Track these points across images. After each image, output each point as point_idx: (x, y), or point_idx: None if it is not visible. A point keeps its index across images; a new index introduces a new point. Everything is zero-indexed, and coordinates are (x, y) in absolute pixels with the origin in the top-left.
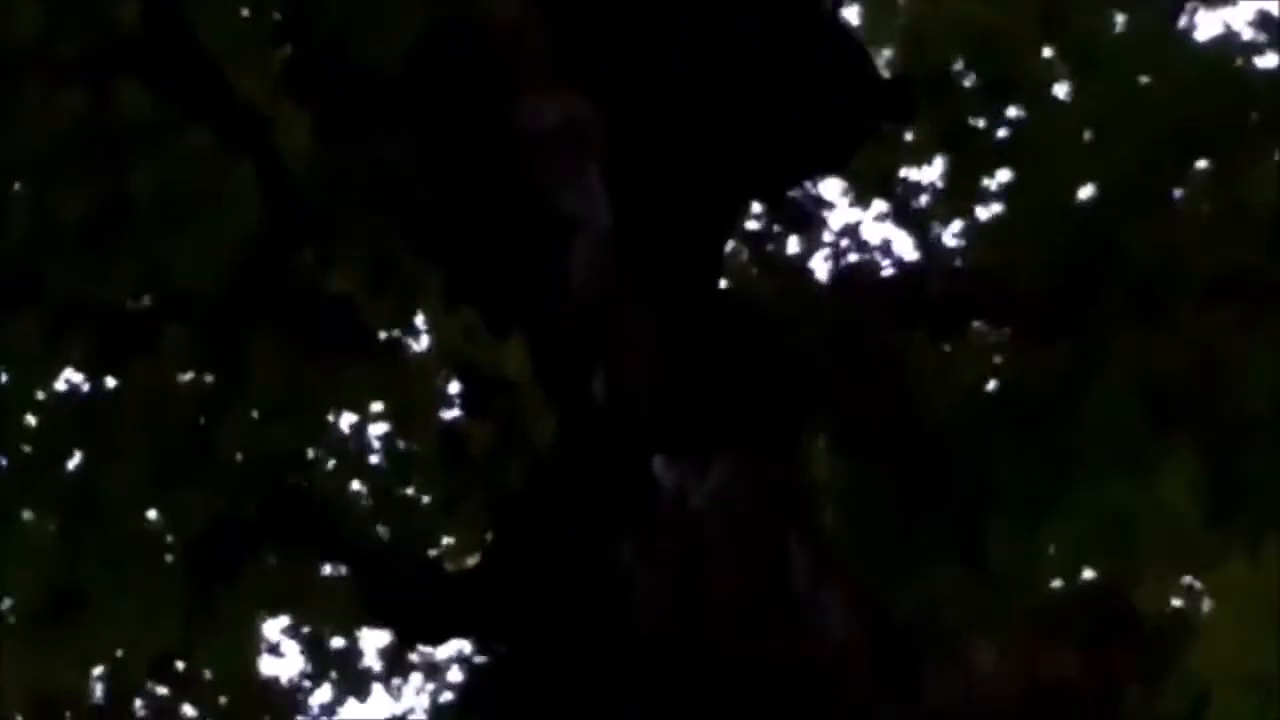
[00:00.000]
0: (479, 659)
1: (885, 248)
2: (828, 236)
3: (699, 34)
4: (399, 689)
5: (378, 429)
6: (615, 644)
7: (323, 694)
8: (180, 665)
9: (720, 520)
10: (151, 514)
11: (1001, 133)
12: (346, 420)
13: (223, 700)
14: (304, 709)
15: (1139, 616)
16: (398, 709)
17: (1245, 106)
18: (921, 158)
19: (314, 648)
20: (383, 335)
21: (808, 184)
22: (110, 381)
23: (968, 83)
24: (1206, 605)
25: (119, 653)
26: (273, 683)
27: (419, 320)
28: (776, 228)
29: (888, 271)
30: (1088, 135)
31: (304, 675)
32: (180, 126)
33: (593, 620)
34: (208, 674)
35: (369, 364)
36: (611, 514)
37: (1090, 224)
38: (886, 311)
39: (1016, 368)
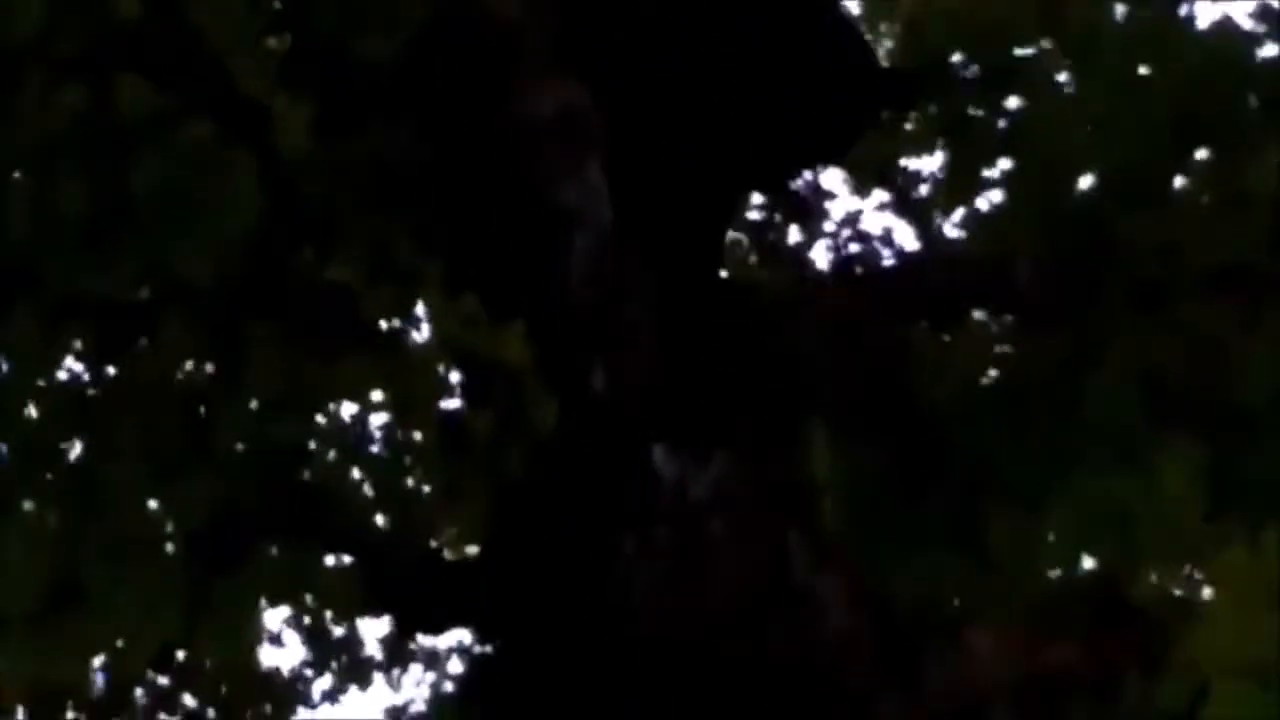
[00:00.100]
0: (479, 650)
1: (886, 238)
2: (828, 227)
3: (700, 25)
4: (399, 679)
5: (378, 419)
6: (615, 635)
7: (324, 684)
8: (181, 655)
9: (721, 511)
10: (152, 505)
11: (1001, 123)
12: (347, 410)
13: (223, 690)
14: (305, 699)
15: (1138, 605)
16: (398, 699)
17: (1245, 97)
18: (921, 148)
19: (315, 637)
20: (383, 325)
21: (808, 174)
22: (110, 373)
23: (967, 73)
24: (1206, 593)
25: (119, 643)
26: (273, 673)
27: (419, 310)
28: (777, 218)
29: (888, 261)
30: (1087, 126)
31: (305, 665)
32: (180, 121)
33: (593, 611)
34: (208, 664)
35: (369, 354)
36: (612, 505)
37: (1090, 215)
38: (887, 301)
39: (1016, 359)
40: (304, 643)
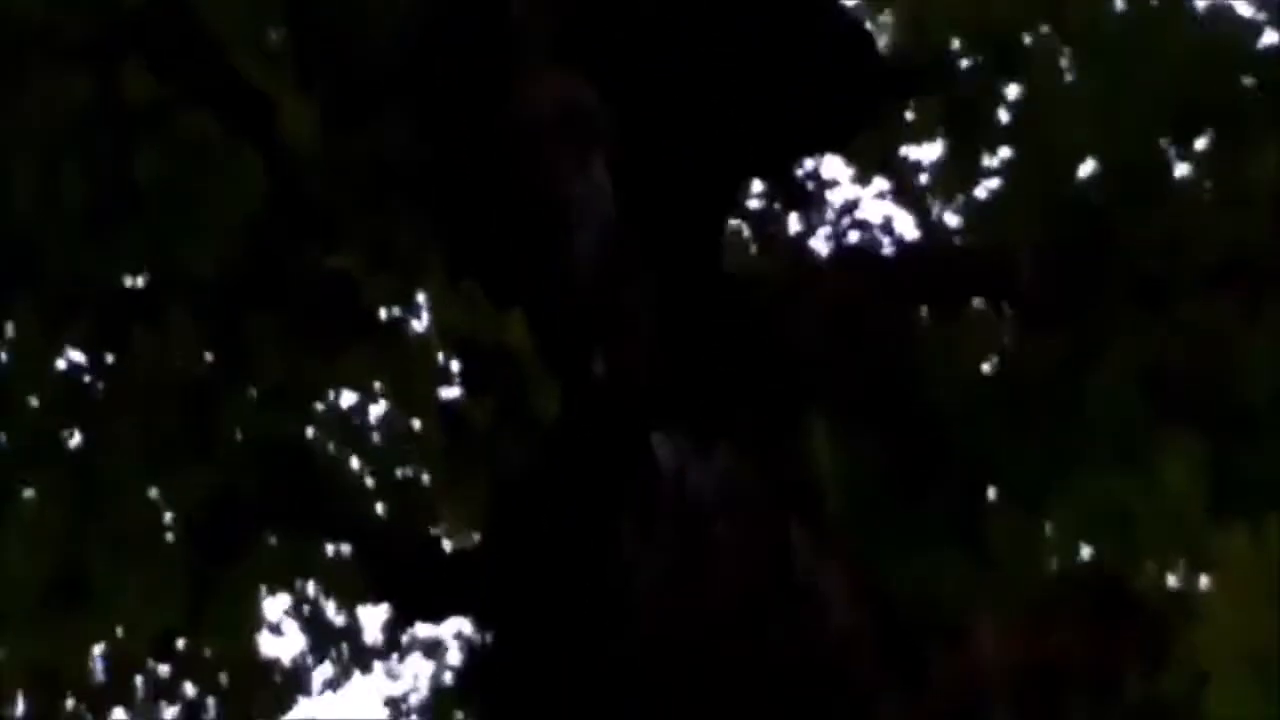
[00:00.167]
0: (478, 639)
1: (886, 226)
2: (828, 215)
3: (701, 15)
4: (398, 669)
5: (378, 408)
6: (616, 625)
7: (324, 673)
8: (181, 644)
9: (722, 501)
10: (153, 494)
11: (1002, 112)
12: (347, 400)
13: (223, 679)
14: (305, 687)
15: (1138, 599)
16: (397, 689)
17: (1245, 86)
18: (922, 136)
19: (315, 626)
20: (383, 315)
21: (808, 163)
22: (111, 363)
23: (968, 62)
24: (1206, 587)
25: (120, 632)
26: (274, 662)
27: (419, 299)
28: (777, 207)
29: (888, 250)
30: (1087, 115)
31: (305, 653)
32: (183, 110)
33: (593, 601)
34: (208, 653)
35: (369, 344)
36: (612, 495)
37: (1090, 205)
38: (886, 290)
39: (1017, 355)
40: (304, 631)
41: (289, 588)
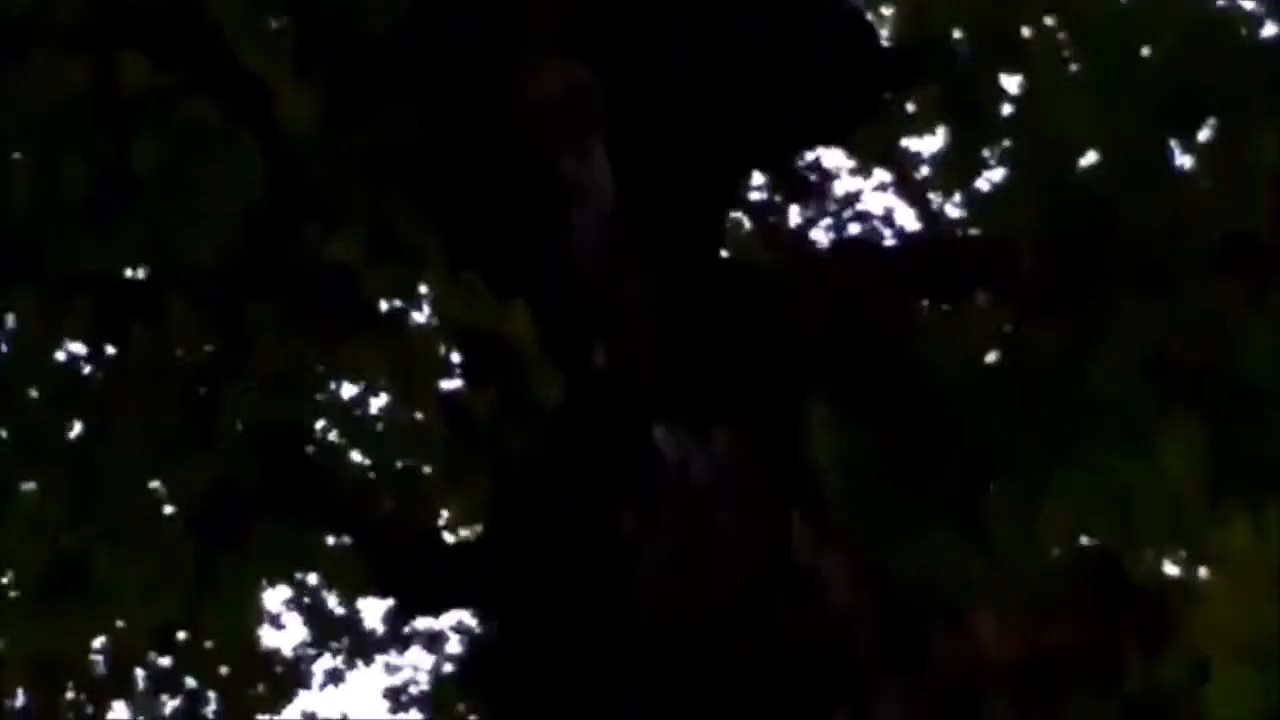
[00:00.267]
0: (480, 630)
1: (887, 218)
2: (829, 207)
3: (701, 6)
4: (399, 661)
5: (379, 399)
6: (617, 616)
7: (325, 664)
8: (181, 636)
9: (723, 492)
10: (153, 485)
11: (1003, 102)
12: (348, 390)
13: (224, 671)
14: (306, 679)
15: (1139, 586)
16: (398, 680)
17: (1247, 73)
18: (923, 128)
19: (315, 618)
20: (384, 305)
21: (809, 154)
22: (111, 353)
23: (969, 52)
24: (1205, 574)
25: (120, 623)
26: (274, 653)
27: (421, 290)
28: (778, 198)
29: (889, 242)
30: (1088, 104)
31: (305, 645)
32: (182, 98)
33: (595, 592)
34: (209, 644)
35: (370, 335)
36: (614, 485)
37: (1092, 194)
38: (887, 282)
39: (1018, 338)
40: (305, 623)
41: (290, 579)
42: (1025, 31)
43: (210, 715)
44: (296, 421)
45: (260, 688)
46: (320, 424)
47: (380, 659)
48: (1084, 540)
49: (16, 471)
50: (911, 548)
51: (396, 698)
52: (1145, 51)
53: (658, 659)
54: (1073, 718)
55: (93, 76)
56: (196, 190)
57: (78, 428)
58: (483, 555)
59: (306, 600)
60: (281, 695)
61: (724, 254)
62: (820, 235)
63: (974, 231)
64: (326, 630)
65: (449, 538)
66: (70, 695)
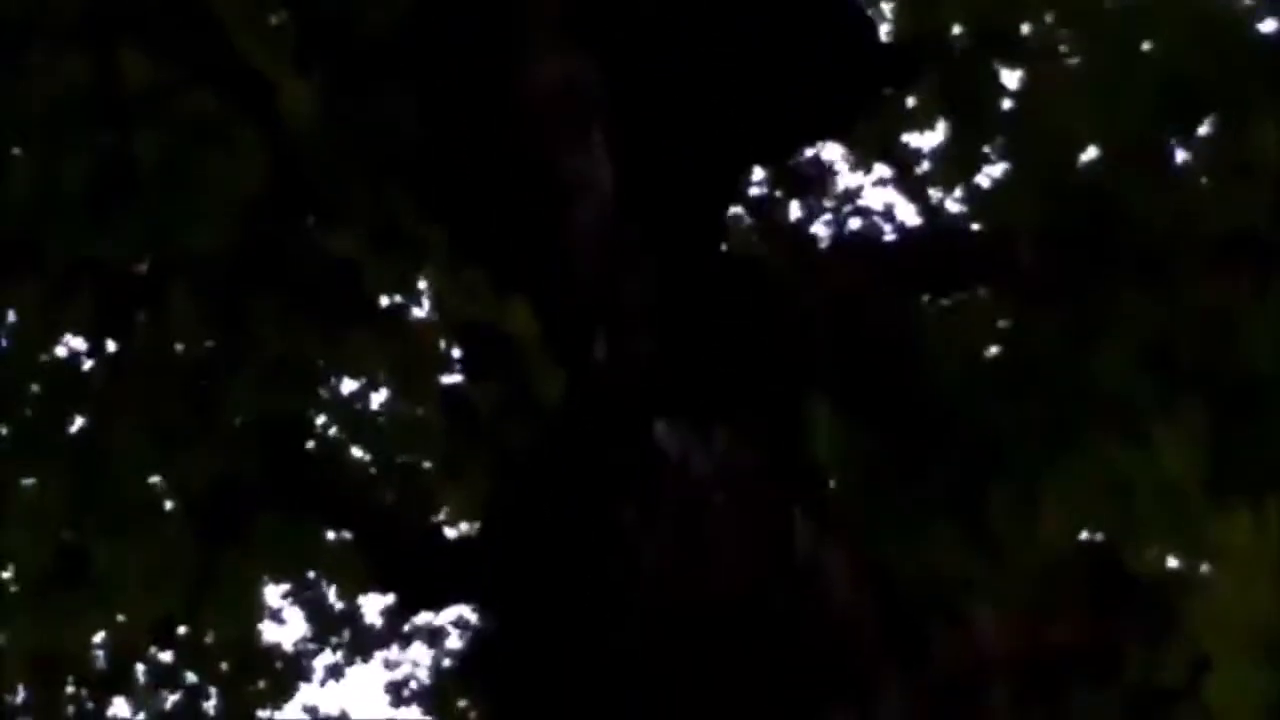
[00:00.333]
0: (480, 625)
1: (887, 213)
2: (829, 202)
3: (701, 1)
4: (399, 657)
5: (380, 394)
6: (618, 612)
7: (325, 659)
8: (182, 631)
9: (724, 486)
10: (154, 479)
11: (1003, 97)
12: (349, 385)
13: (224, 666)
14: (307, 674)
15: (1140, 579)
16: (398, 675)
17: (1247, 67)
18: (923, 123)
19: (316, 613)
20: (385, 300)
21: (810, 149)
22: (112, 346)
23: (969, 47)
24: (1206, 567)
25: (121, 618)
26: (275, 648)
27: (421, 284)
28: (778, 193)
29: (890, 237)
30: (1088, 99)
31: (306, 640)
32: (183, 90)
33: (595, 587)
34: (209, 639)
35: (371, 329)
36: (614, 480)
37: (1093, 187)
38: (888, 277)
39: (1019, 332)
40: (305, 619)
41: (290, 575)
42: (1025, 27)
43: (211, 710)
44: (297, 416)
45: (261, 683)
46: (321, 418)
47: (380, 655)
48: (1084, 534)
49: (16, 466)
50: (912, 544)
51: (397, 692)
52: (1145, 46)
53: (658, 655)
54: (1074, 712)
55: (93, 70)
56: (197, 184)
57: (79, 421)
58: (483, 550)
59: (307, 594)
60: (282, 691)
61: (725, 249)
62: (820, 231)
63: (975, 227)
64: (327, 625)
65: (449, 533)
66: (71, 690)
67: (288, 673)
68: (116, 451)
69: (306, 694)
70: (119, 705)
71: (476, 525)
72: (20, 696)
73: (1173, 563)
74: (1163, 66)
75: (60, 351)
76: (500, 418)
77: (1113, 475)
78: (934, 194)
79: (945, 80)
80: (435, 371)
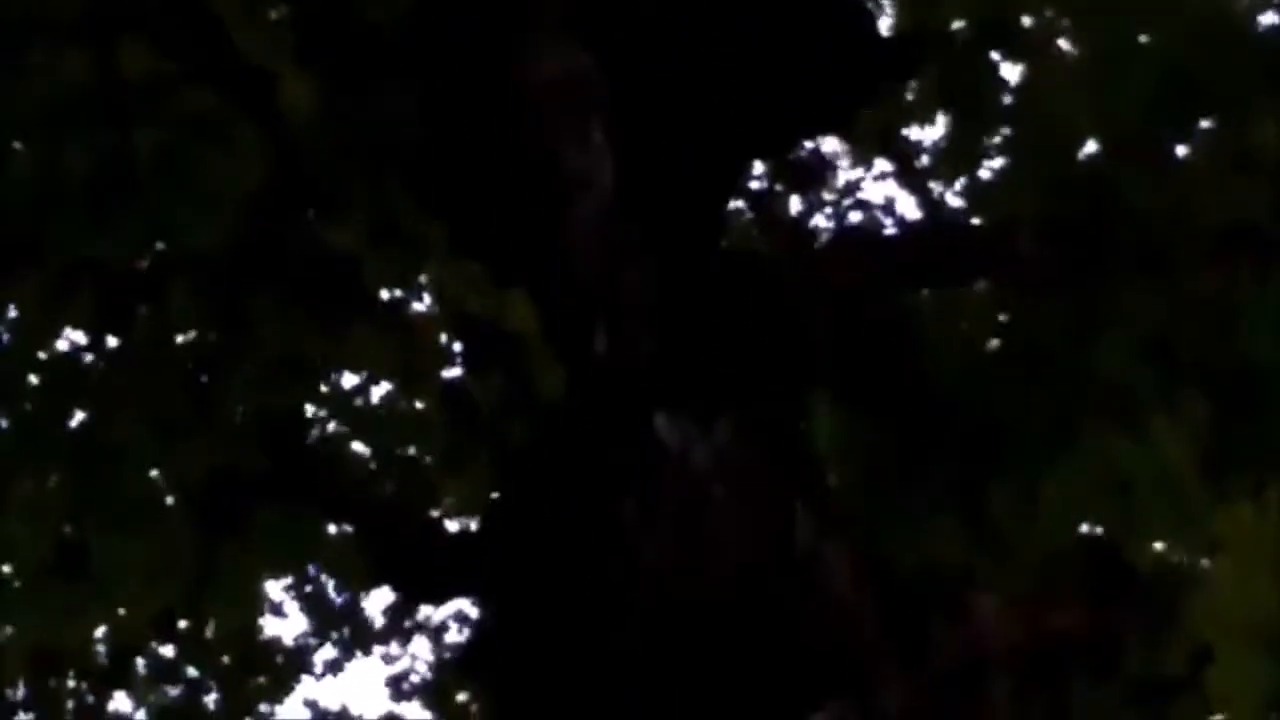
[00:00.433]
0: (481, 618)
1: (887, 207)
2: (829, 195)
3: None
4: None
5: (381, 388)
6: (618, 604)
7: (326, 654)
8: (182, 625)
9: (725, 479)
10: (154, 472)
11: (1003, 90)
12: (349, 379)
13: (225, 660)
14: (307, 668)
15: (1140, 570)
16: (398, 669)
17: (1247, 60)
18: (923, 116)
19: (316, 607)
20: (385, 294)
21: (809, 143)
22: (112, 340)
23: (969, 40)
24: (1206, 560)
25: (122, 611)
26: (275, 642)
27: (422, 278)
28: (778, 187)
29: (890, 231)
30: (1088, 91)
31: (307, 634)
32: (183, 86)
33: (596, 580)
34: (209, 634)
35: (372, 323)
36: (615, 473)
37: (1093, 180)
38: (888, 270)
39: (1019, 325)
40: (305, 612)
41: (291, 569)
42: (1025, 20)
43: (211, 705)
44: (297, 410)
45: (261, 678)
46: (321, 412)
47: (380, 649)
48: (1085, 526)
49: (17, 460)
50: (913, 536)
51: (397, 686)
52: (1145, 40)
53: (658, 649)
54: (1074, 704)
55: (93, 65)
56: (197, 179)
57: (78, 416)
58: (483, 544)
59: (308, 589)
60: (282, 685)
61: (725, 244)
62: (821, 224)
63: (975, 220)
64: (328, 620)
65: (450, 527)
66: (71, 684)
67: (288, 667)
68: (117, 446)
69: (307, 688)
70: (120, 699)
71: (477, 519)
72: (21, 691)
73: (1173, 553)
74: (1162, 60)
75: (61, 346)
76: (501, 413)
77: (1113, 467)
78: (934, 187)
79: (945, 74)
80: (436, 366)
